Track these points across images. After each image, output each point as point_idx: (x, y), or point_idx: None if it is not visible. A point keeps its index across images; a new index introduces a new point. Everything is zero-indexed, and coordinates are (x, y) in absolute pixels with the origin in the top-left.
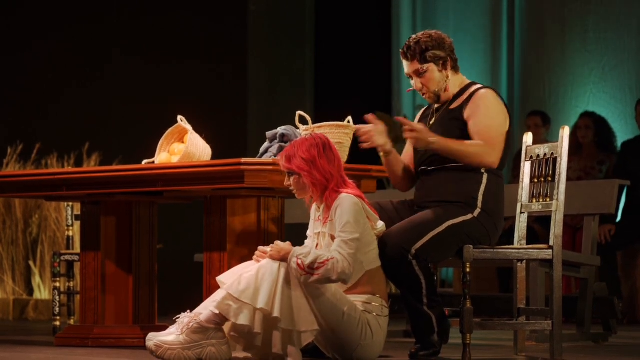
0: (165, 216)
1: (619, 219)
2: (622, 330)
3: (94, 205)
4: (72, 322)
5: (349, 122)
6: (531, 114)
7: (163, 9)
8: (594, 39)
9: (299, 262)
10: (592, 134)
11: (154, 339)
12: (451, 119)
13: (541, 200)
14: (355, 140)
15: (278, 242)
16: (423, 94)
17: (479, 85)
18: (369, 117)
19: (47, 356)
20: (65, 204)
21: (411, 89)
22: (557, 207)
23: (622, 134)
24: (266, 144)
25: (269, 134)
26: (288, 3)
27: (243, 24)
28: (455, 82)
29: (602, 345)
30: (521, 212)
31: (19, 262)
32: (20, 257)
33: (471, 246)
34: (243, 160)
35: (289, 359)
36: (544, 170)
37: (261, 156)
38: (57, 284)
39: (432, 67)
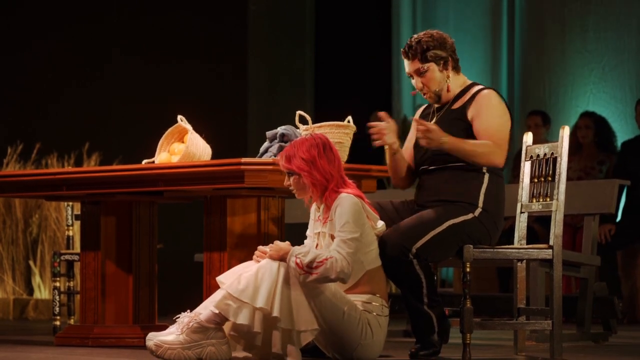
0: (165, 216)
1: (619, 218)
2: (622, 329)
3: (94, 205)
4: (72, 321)
5: (349, 122)
6: (531, 113)
7: (163, 9)
8: (594, 38)
9: (298, 261)
10: (592, 133)
11: (154, 338)
12: (454, 120)
13: (541, 200)
14: (355, 140)
15: (277, 242)
16: (424, 94)
17: (481, 86)
18: (382, 114)
19: (47, 356)
20: (65, 203)
21: (416, 91)
22: (557, 206)
23: (622, 134)
24: (266, 144)
25: (269, 133)
26: (288, 3)
27: (243, 24)
28: (456, 82)
29: (602, 345)
30: (521, 212)
31: (19, 262)
32: (20, 257)
33: (471, 246)
34: (243, 160)
35: (289, 359)
36: (544, 170)
37: (261, 156)
38: (57, 284)
39: (432, 66)
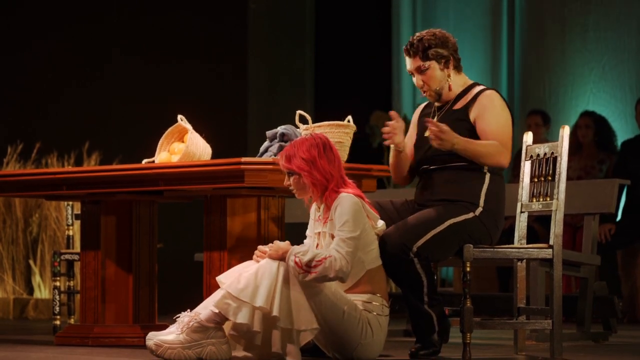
0: (165, 215)
1: (619, 218)
2: (622, 329)
3: (94, 205)
4: (72, 321)
5: (349, 121)
6: (531, 113)
7: (163, 9)
8: (593, 38)
9: (297, 260)
10: (592, 133)
11: (154, 338)
12: (457, 120)
13: (541, 199)
14: (355, 140)
15: (277, 242)
16: (424, 92)
17: (482, 86)
18: (393, 114)
19: (47, 355)
20: (66, 203)
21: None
22: (557, 206)
23: (622, 133)
24: (266, 143)
25: (269, 133)
26: (288, 3)
27: (243, 24)
28: (458, 82)
29: (602, 345)
30: (521, 212)
31: (19, 261)
32: (20, 256)
33: (471, 245)
34: (243, 159)
35: (289, 358)
36: (544, 169)
37: (261, 155)
38: (57, 283)
39: (433, 64)
